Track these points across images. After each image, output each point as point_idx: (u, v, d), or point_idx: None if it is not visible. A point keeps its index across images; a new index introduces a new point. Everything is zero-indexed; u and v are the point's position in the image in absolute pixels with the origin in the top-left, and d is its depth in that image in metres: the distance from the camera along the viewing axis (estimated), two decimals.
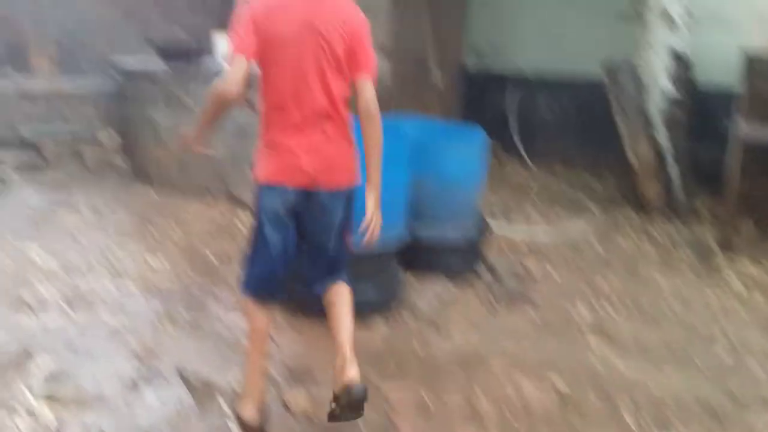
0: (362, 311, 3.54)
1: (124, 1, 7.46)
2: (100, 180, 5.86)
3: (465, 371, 3.19)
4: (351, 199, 2.64)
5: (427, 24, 7.40)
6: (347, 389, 2.42)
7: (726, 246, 4.94)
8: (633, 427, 2.82)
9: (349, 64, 2.43)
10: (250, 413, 2.61)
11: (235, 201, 5.36)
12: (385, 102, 7.07)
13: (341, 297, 2.69)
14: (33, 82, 6.20)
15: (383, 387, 3.00)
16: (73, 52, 7.14)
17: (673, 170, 5.79)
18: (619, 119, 5.85)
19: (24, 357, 3.01)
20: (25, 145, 5.71)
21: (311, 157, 2.47)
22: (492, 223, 4.58)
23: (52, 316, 3.44)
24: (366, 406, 2.47)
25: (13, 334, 3.22)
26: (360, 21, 2.47)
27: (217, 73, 5.44)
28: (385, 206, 3.33)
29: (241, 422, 2.63)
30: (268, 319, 2.70)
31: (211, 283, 3.98)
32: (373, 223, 2.54)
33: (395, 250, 3.76)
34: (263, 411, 2.67)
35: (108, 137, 6.05)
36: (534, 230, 5.34)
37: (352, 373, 2.47)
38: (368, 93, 2.41)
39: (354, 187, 2.62)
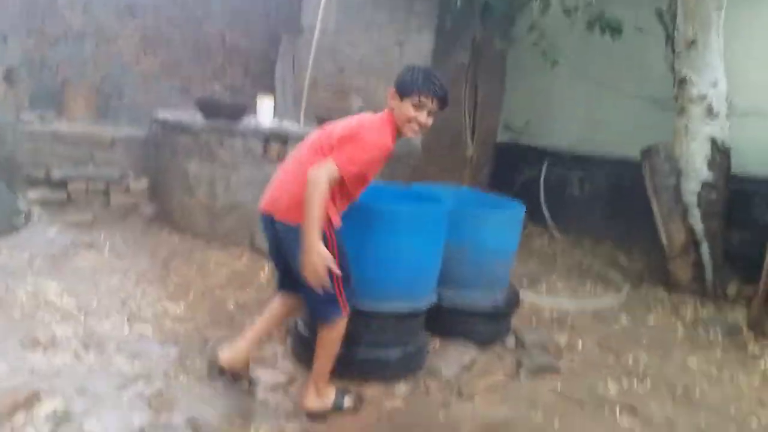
0: (387, 376, 3.46)
1: (167, 55, 7.62)
2: (124, 223, 5.85)
3: None
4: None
5: (465, 98, 7.46)
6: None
7: (757, 329, 4.83)
8: None
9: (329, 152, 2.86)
10: (224, 356, 3.13)
11: (259, 252, 5.30)
12: (417, 169, 7.06)
13: (318, 338, 3.05)
14: (68, 125, 6.27)
15: None
16: (110, 99, 7.27)
17: (705, 252, 5.67)
18: (652, 200, 5.79)
19: (32, 397, 2.88)
20: (54, 185, 5.72)
21: (272, 187, 3.01)
22: (521, 292, 4.48)
23: (63, 357, 3.32)
24: None
25: (23, 373, 3.11)
26: (354, 129, 2.87)
27: (254, 131, 5.52)
28: (418, 272, 3.44)
29: (213, 362, 3.18)
30: (286, 302, 3.22)
31: (228, 333, 3.87)
32: (306, 267, 2.72)
33: (424, 316, 3.65)
34: (244, 365, 3.19)
35: (136, 183, 6.07)
36: (562, 301, 5.20)
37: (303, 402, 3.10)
38: (318, 166, 2.74)
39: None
